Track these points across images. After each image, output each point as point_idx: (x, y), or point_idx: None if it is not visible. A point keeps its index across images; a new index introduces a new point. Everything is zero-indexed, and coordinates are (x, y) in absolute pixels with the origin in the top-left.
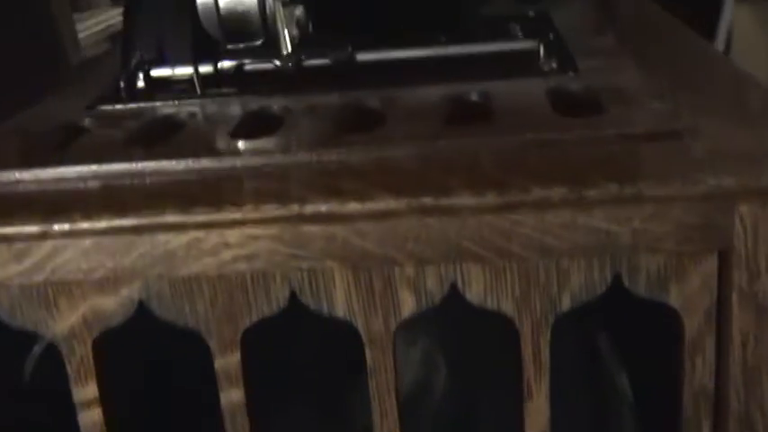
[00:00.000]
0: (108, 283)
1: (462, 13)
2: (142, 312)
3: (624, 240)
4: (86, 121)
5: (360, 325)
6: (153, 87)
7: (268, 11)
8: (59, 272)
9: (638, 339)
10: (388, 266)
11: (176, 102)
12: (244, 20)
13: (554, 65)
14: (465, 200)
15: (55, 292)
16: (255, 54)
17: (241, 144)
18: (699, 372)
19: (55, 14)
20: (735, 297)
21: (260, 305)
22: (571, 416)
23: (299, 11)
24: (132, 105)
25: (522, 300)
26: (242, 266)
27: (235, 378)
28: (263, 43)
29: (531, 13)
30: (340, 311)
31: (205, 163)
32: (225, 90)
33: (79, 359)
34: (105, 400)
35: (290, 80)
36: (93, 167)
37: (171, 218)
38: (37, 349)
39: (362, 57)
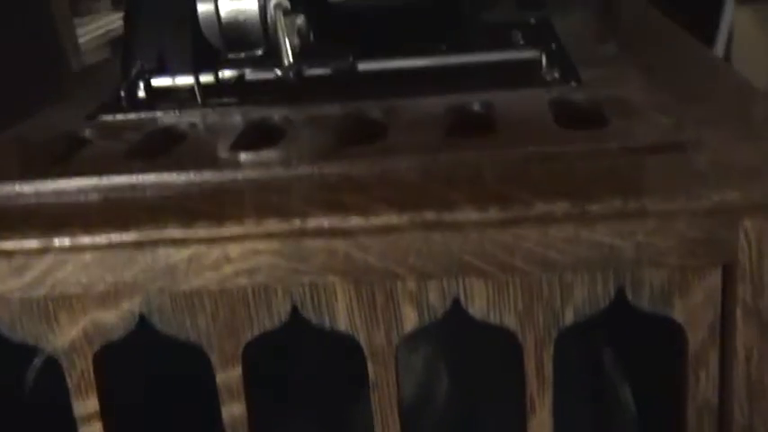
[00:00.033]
0: (109, 297)
1: (463, 21)
2: (143, 326)
3: (627, 254)
4: (87, 132)
5: (362, 339)
6: (154, 97)
7: (269, 20)
8: (60, 286)
9: (642, 352)
10: (390, 281)
11: (177, 112)
12: (245, 29)
13: (556, 74)
14: (467, 214)
15: (55, 305)
16: (256, 63)
17: (242, 156)
18: (702, 386)
19: (56, 20)
20: (739, 311)
21: (261, 319)
22: (574, 429)
23: (300, 20)
24: (133, 116)
25: (525, 314)
26: (243, 281)
27: (236, 392)
28: (264, 52)
29: (533, 20)
30: (342, 325)
31: (206, 176)
32: (226, 100)
33: (80, 373)
34: (106, 414)
35: (292, 89)
36: (94, 180)
37: (172, 233)
38: (37, 362)
39: (364, 66)
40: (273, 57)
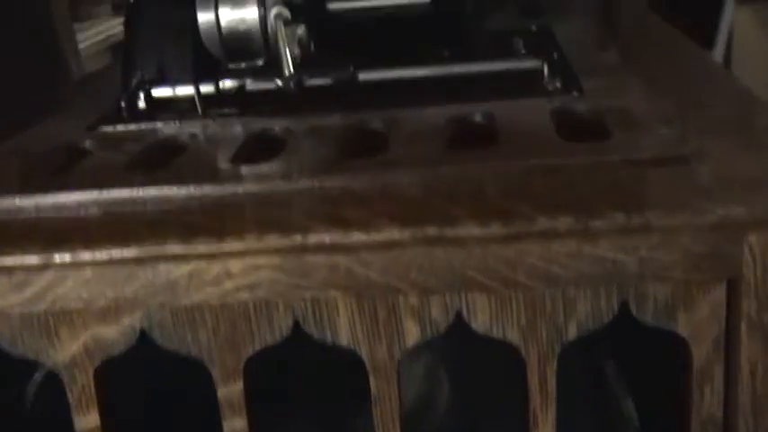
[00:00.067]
0: (109, 312)
1: (464, 29)
2: (144, 341)
3: (631, 269)
4: (87, 143)
5: (364, 353)
6: (154, 107)
7: (269, 30)
8: (60, 301)
9: (645, 365)
10: (393, 296)
11: (178, 122)
12: (245, 39)
13: (558, 84)
14: (470, 230)
15: (56, 320)
16: (257, 73)
17: (243, 169)
18: (707, 400)
19: (56, 25)
20: (744, 326)
21: (263, 334)
22: None
23: (300, 30)
24: (133, 126)
25: (528, 329)
26: (244, 296)
27: (238, 407)
28: (264, 62)
29: (534, 28)
30: (344, 340)
31: (207, 189)
32: (226, 110)
33: (81, 388)
34: (107, 429)
35: (292, 100)
36: (94, 194)
37: (173, 248)
38: (38, 376)
39: (364, 76)
40: (274, 67)
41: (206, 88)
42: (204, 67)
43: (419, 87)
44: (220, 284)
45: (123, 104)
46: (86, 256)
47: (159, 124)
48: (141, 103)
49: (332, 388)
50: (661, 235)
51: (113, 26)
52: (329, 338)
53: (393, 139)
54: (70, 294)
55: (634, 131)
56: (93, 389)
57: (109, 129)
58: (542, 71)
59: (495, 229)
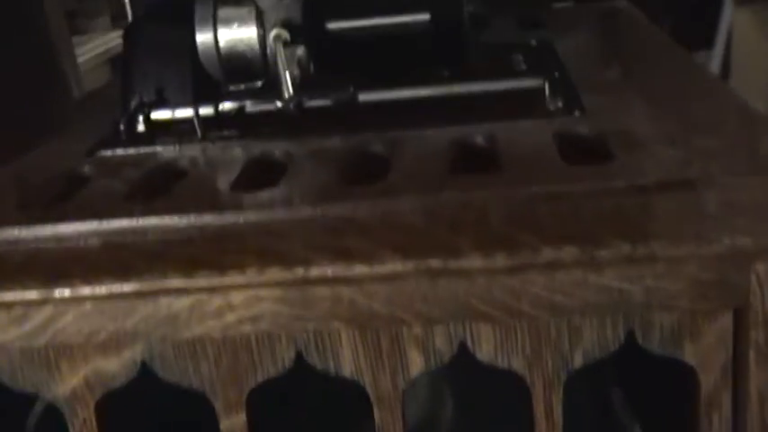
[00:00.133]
0: (110, 346)
1: (464, 45)
2: (146, 373)
3: (637, 298)
4: (86, 169)
5: (367, 384)
6: (153, 130)
7: (269, 51)
8: (60, 335)
9: (652, 392)
10: (396, 326)
11: (177, 147)
12: (244, 60)
13: (559, 104)
14: (474, 262)
15: (56, 354)
16: (256, 95)
17: (244, 197)
18: (716, 428)
19: (54, 42)
20: (752, 355)
21: (265, 366)
22: None
23: (300, 51)
24: (132, 151)
25: (533, 358)
26: (246, 328)
27: None
28: (264, 84)
29: (534, 42)
30: (347, 371)
31: (207, 219)
32: (226, 132)
33: (82, 421)
34: None
35: (292, 122)
36: (94, 224)
37: (174, 282)
38: (38, 408)
39: (365, 97)
40: (274, 88)
41: (205, 110)
42: (203, 89)
43: (420, 107)
44: (222, 317)
45: (122, 127)
46: (86, 290)
47: (159, 148)
48: (140, 126)
49: (335, 419)
50: (667, 264)
51: (112, 39)
52: (332, 369)
53: (394, 162)
54: (70, 328)
55: (638, 154)
56: (94, 422)
57: (108, 153)
58: (544, 90)
59: (500, 260)
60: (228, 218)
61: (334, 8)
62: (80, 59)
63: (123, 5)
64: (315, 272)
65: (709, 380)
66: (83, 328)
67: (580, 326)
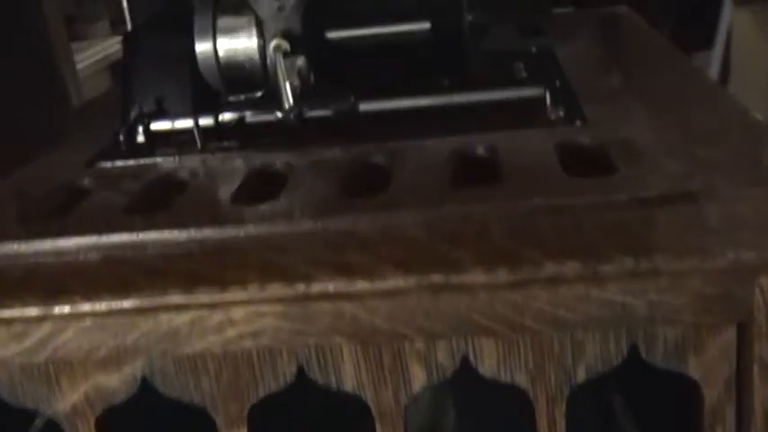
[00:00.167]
0: (110, 361)
1: (464, 54)
2: (146, 388)
3: (640, 312)
4: (86, 181)
5: (369, 399)
6: (153, 141)
7: (269, 61)
8: (60, 351)
9: (654, 405)
10: (398, 341)
11: (177, 158)
12: (244, 70)
13: (561, 113)
14: (475, 277)
15: (56, 370)
16: (256, 105)
17: (244, 210)
18: None
19: (53, 49)
20: (756, 369)
21: (266, 381)
22: None
23: (300, 61)
24: (132, 162)
25: (536, 372)
26: (247, 343)
27: None
28: (264, 94)
29: (534, 49)
30: (349, 386)
31: (208, 233)
32: (226, 143)
33: None
34: None
35: (293, 132)
36: (94, 239)
37: (174, 299)
38: (38, 422)
39: (365, 107)
40: (274, 98)
41: (205, 121)
42: (203, 100)
43: (420, 117)
44: (223, 332)
45: (122, 138)
46: (86, 306)
47: (158, 159)
48: (140, 137)
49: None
50: (670, 278)
51: (112, 45)
52: (334, 384)
53: (395, 173)
54: (70, 344)
55: (639, 165)
56: None
57: (108, 164)
58: (545, 99)
59: (502, 275)
60: (229, 231)
61: (334, 18)
62: (79, 66)
63: (122, 10)
64: (316, 288)
65: (712, 394)
66: (83, 343)
67: (583, 340)
